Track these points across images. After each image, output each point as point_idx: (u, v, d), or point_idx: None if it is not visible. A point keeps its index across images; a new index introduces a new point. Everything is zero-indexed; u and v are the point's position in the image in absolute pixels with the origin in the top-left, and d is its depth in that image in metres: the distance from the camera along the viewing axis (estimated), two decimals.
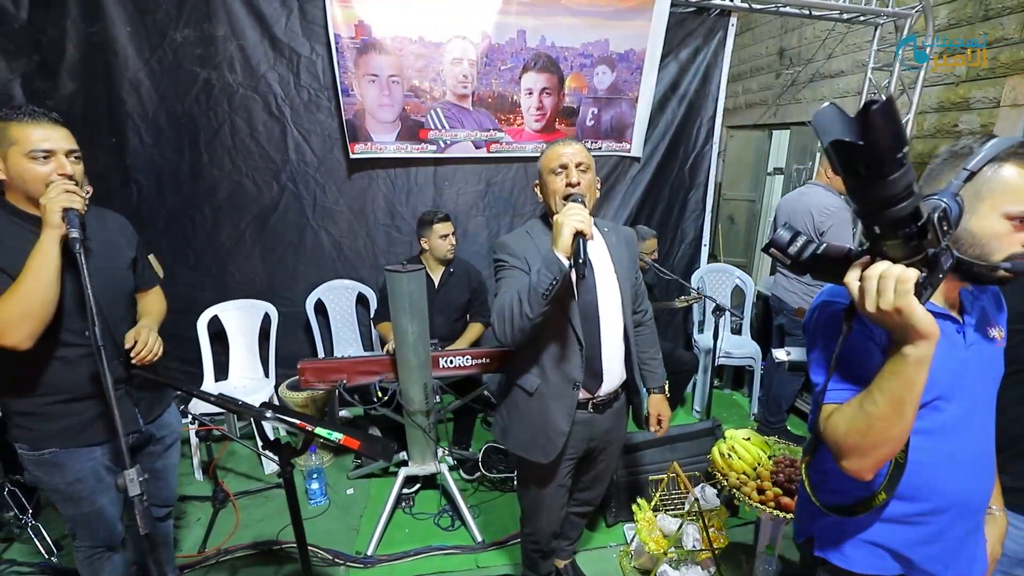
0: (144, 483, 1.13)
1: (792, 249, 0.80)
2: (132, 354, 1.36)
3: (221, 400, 1.06)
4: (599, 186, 1.52)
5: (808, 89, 4.58)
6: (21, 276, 1.18)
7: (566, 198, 1.38)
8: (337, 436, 1.07)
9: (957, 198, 0.77)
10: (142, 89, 2.61)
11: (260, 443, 1.14)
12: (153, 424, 1.54)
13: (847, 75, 4.12)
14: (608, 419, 1.59)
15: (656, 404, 1.73)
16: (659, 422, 1.73)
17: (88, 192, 1.34)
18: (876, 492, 0.88)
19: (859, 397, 0.81)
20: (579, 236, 1.21)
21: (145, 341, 1.38)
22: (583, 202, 1.34)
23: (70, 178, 1.24)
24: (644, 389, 1.72)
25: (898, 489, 0.88)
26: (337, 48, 2.62)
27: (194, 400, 2.23)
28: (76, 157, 1.29)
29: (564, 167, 1.41)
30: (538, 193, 1.52)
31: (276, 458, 1.15)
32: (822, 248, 0.78)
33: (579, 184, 1.40)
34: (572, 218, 1.22)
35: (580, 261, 1.19)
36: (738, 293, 3.55)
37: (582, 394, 1.49)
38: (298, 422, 1.09)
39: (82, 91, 2.55)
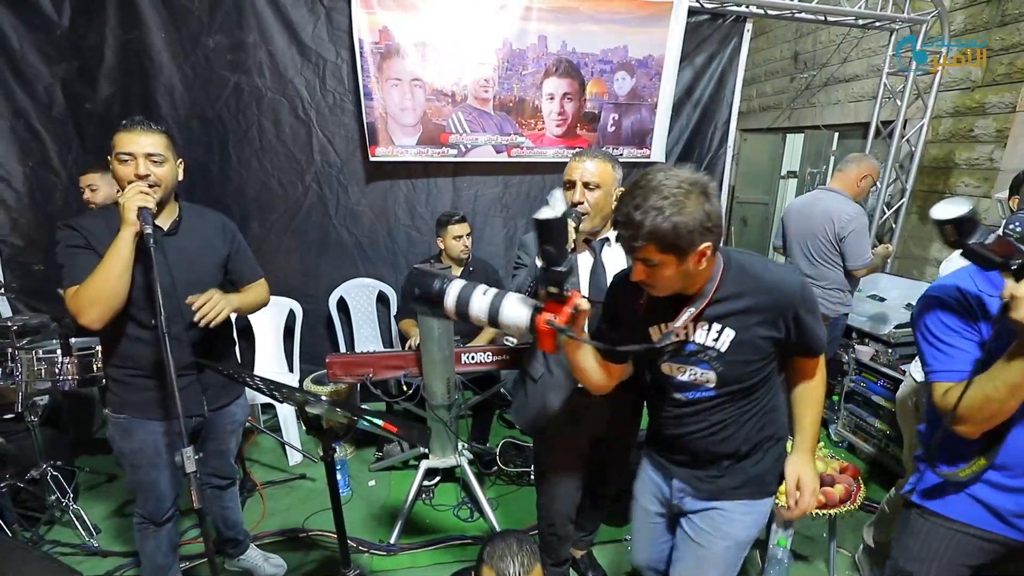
0: (200, 461, 1.25)
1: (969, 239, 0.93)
2: (194, 309, 1.40)
3: (299, 396, 1.12)
4: (616, 197, 1.52)
5: (822, 93, 4.61)
6: (98, 267, 1.31)
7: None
8: (378, 421, 1.15)
9: None
10: (175, 93, 2.72)
11: (304, 428, 1.22)
12: (219, 412, 1.67)
13: (862, 79, 4.15)
14: (611, 405, 1.62)
15: None
16: None
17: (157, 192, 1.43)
18: (977, 459, 1.11)
19: (980, 380, 0.99)
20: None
21: (208, 299, 1.41)
22: (580, 216, 1.40)
23: (145, 178, 1.36)
24: None
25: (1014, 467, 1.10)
26: (361, 53, 2.71)
27: None
28: (156, 160, 1.39)
29: (573, 184, 1.47)
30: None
31: (300, 448, 1.21)
32: (990, 238, 0.93)
33: (582, 204, 1.45)
34: None
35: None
36: None
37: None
38: (383, 423, 1.14)
39: (119, 94, 2.66)
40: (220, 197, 2.90)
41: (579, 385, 1.56)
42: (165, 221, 1.47)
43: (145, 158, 1.36)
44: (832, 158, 4.50)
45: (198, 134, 2.81)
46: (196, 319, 1.40)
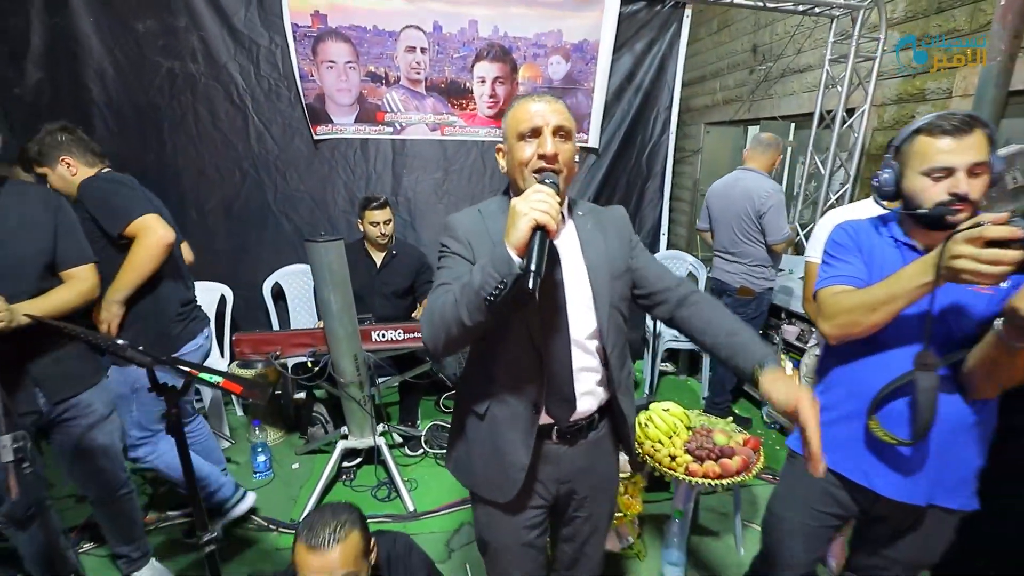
0: (28, 448, 1.10)
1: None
2: None
3: (107, 343, 1.13)
4: (577, 158, 1.14)
5: (779, 84, 4.62)
6: None
7: (538, 171, 1.02)
8: (216, 379, 1.13)
9: None
10: (107, 78, 2.71)
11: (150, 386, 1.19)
12: (66, 405, 1.48)
13: (814, 69, 4.15)
14: (582, 454, 1.18)
15: (772, 384, 1.00)
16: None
17: None
18: None
19: (870, 287, 1.08)
20: (539, 231, 0.87)
21: None
22: (556, 184, 0.97)
23: None
24: (748, 370, 1.07)
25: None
26: (295, 37, 2.72)
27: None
28: None
29: (536, 132, 1.02)
30: (500, 162, 1.13)
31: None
32: None
33: (556, 157, 1.02)
34: (535, 205, 0.87)
35: (533, 268, 0.84)
36: (692, 280, 3.60)
37: (546, 420, 1.13)
38: (222, 381, 1.15)
39: (48, 80, 2.65)
40: (156, 184, 2.83)
41: (538, 415, 1.11)
42: None
43: None
44: (789, 148, 4.51)
45: (132, 120, 2.80)
46: None
